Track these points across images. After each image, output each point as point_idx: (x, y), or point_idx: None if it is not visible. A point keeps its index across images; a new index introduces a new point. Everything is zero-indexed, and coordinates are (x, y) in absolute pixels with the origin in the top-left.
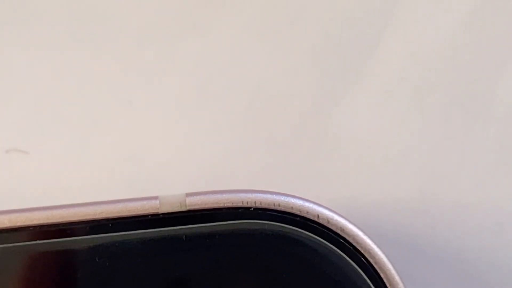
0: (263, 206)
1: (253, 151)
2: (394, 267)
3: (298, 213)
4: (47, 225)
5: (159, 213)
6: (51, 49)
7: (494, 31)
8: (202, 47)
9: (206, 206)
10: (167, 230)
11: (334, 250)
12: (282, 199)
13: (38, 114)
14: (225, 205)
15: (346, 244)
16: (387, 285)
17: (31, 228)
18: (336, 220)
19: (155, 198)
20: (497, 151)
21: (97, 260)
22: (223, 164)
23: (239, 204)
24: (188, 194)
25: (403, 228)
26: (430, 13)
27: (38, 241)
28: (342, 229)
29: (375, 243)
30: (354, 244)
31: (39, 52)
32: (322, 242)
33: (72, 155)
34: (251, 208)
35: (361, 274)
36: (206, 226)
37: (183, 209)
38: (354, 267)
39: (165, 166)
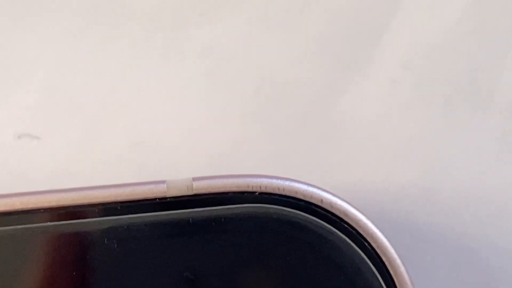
0: (268, 190)
1: (259, 137)
2: (396, 251)
3: (302, 197)
4: (57, 207)
5: (167, 196)
6: (62, 36)
7: (497, 21)
8: (211, 34)
9: (212, 190)
10: (174, 213)
11: (337, 234)
12: (287, 183)
13: (49, 100)
14: (231, 189)
15: (349, 228)
16: (389, 268)
17: (41, 211)
18: (340, 204)
19: (163, 182)
20: (499, 140)
21: (105, 242)
22: (230, 150)
23: (245, 189)
24: (195, 179)
25: (405, 214)
26: (434, 3)
27: (48, 223)
28: (345, 214)
29: (377, 227)
30: (357, 228)
31: (50, 38)
32: (326, 226)
33: (83, 140)
34: (256, 192)
35: (363, 258)
36: (212, 209)
37: (190, 193)
38: (356, 251)
39: (173, 152)
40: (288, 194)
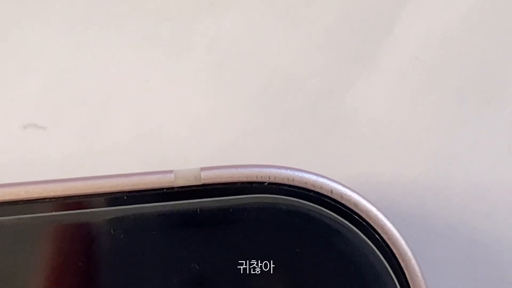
0: (277, 181)
1: (269, 129)
2: (406, 243)
3: (312, 188)
4: (63, 197)
5: (174, 186)
6: (70, 26)
7: (510, 12)
8: (219, 26)
9: (221, 180)
10: (182, 203)
11: (347, 225)
12: (297, 174)
13: (55, 90)
14: (240, 179)
15: (359, 219)
16: (400, 260)
17: (47, 200)
18: (350, 195)
19: (170, 172)
20: (511, 132)
21: (111, 232)
22: (239, 141)
23: (254, 179)
24: (203, 169)
25: (416, 207)
26: None
27: (54, 213)
28: (356, 205)
29: (388, 219)
30: (367, 219)
31: (57, 29)
32: (336, 217)
33: (89, 131)
34: (265, 183)
35: (374, 250)
36: (220, 200)
37: (198, 183)
38: (367, 242)
39: (181, 143)
40: (297, 184)
